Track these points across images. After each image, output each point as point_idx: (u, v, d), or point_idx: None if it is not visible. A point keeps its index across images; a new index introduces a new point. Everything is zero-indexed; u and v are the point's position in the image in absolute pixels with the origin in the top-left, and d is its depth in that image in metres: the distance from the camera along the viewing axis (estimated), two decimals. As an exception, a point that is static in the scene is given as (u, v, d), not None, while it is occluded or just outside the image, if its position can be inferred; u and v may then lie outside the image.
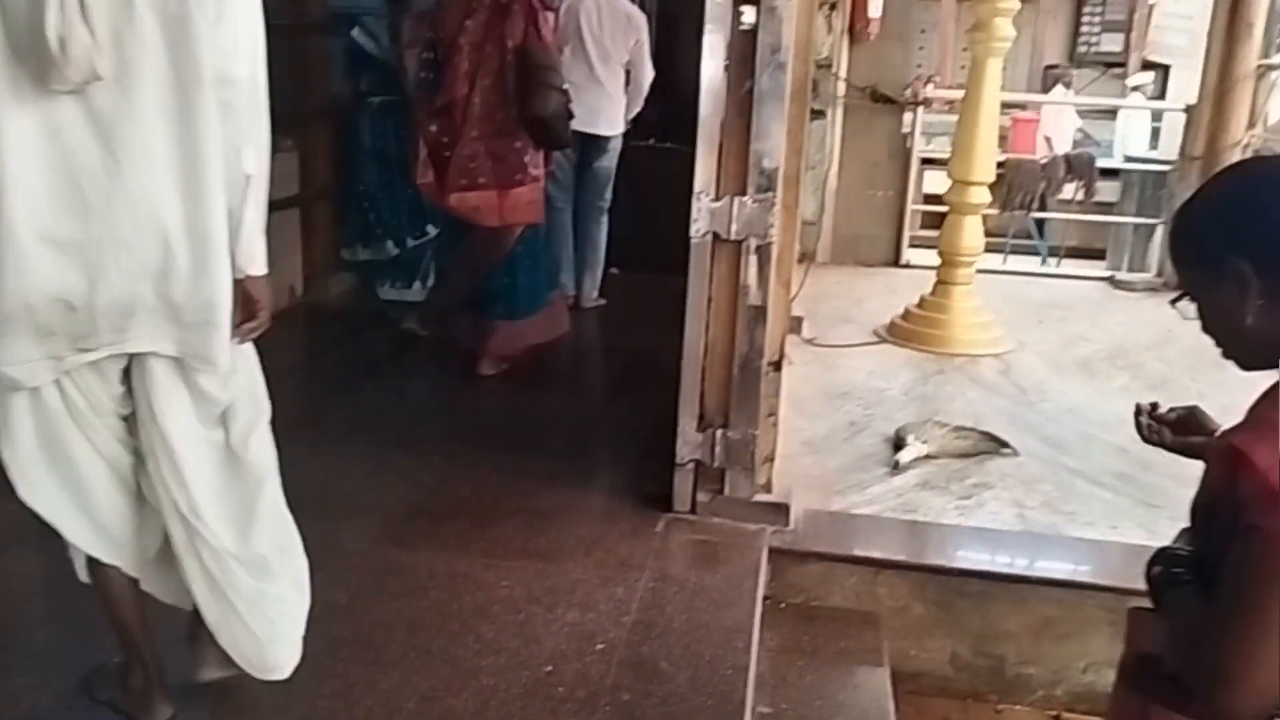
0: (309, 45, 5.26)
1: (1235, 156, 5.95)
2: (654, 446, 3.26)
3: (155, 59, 1.73)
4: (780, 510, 3.07)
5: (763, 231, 2.86)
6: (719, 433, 3.02)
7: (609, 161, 5.25)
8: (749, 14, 2.77)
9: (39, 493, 1.92)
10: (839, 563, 3.00)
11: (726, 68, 2.81)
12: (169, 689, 2.11)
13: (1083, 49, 10.14)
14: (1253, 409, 1.20)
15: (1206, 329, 1.27)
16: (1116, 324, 5.63)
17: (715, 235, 2.88)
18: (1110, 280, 6.82)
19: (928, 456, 3.65)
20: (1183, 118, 6.64)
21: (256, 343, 2.02)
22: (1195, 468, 1.31)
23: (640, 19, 5.23)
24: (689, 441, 3.03)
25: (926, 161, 7.16)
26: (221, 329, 1.88)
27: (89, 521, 1.96)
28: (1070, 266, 7.74)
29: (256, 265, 1.94)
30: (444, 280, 4.85)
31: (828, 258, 6.82)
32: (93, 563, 2.02)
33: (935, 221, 5.97)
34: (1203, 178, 3.96)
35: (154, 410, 1.92)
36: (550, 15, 4.21)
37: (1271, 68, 6.38)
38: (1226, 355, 1.27)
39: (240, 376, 2.01)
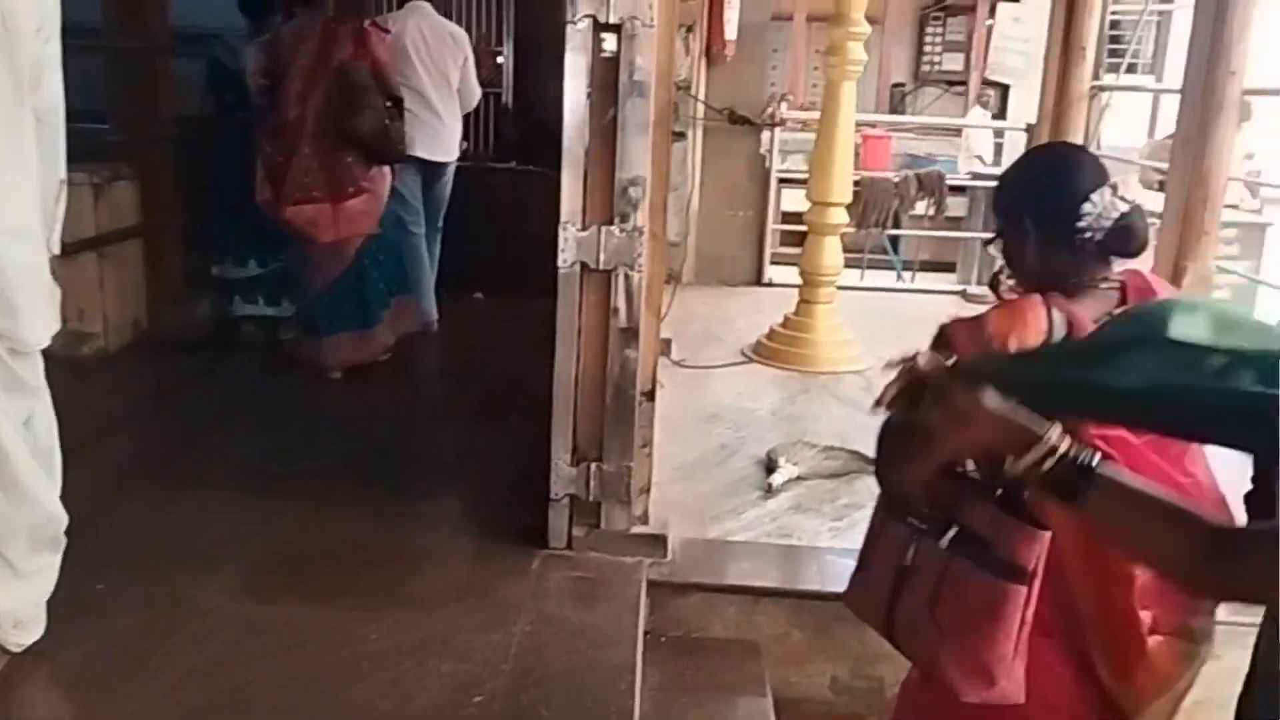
0: (154, 69, 5.01)
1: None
2: (526, 479, 3.18)
3: None
4: (658, 541, 3.03)
5: (631, 261, 2.82)
6: (593, 466, 2.96)
7: (447, 187, 5.36)
8: (610, 41, 2.73)
9: None
10: (717, 593, 2.97)
11: (589, 95, 2.77)
12: None
13: (926, 68, 10.49)
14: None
15: (1006, 263, 1.68)
16: (971, 337, 5.78)
17: (584, 265, 2.83)
18: (963, 294, 7.04)
19: (799, 478, 3.66)
20: (1024, 136, 6.91)
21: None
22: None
23: (463, 36, 5.24)
24: (563, 476, 2.97)
25: (783, 180, 7.27)
26: (31, 311, 2.14)
27: None
28: (924, 280, 7.96)
29: (57, 249, 2.32)
30: (299, 298, 4.74)
31: (692, 278, 6.85)
32: None
33: (795, 239, 6.06)
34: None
35: None
36: (386, 35, 4.42)
37: (1102, 89, 6.69)
38: (1019, 285, 1.66)
39: (41, 363, 2.24)
